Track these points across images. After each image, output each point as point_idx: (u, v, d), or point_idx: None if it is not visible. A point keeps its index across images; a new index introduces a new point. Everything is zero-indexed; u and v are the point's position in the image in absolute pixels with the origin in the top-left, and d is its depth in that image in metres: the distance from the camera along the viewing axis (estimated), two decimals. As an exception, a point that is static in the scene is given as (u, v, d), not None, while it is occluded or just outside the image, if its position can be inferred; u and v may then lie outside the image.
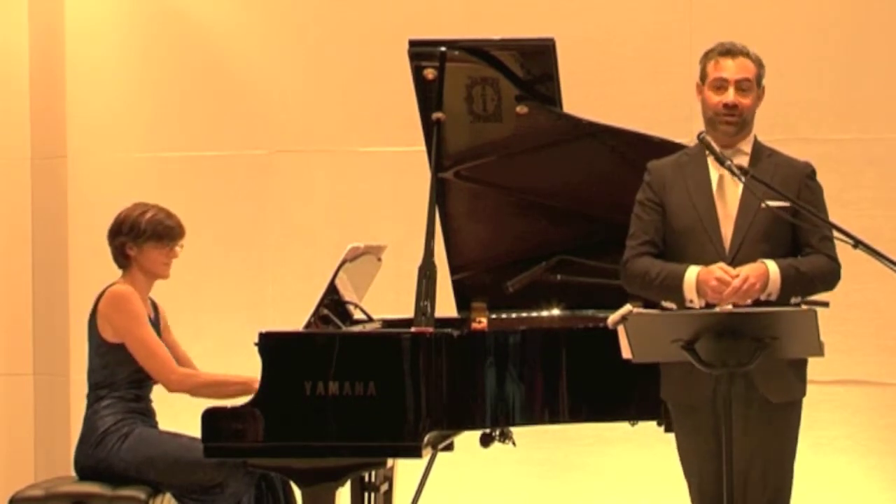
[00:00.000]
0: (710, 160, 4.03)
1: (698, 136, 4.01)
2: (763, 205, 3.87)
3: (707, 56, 4.09)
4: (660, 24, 5.99)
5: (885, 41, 5.82)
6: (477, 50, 4.57)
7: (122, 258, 4.77)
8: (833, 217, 3.97)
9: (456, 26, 5.86)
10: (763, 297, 3.86)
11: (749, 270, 3.85)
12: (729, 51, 4.04)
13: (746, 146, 4.06)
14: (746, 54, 4.04)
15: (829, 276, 3.99)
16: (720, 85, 4.02)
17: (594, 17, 6.05)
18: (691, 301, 3.89)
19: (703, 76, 4.08)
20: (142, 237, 4.72)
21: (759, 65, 4.07)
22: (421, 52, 4.55)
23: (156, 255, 4.74)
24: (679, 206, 4.02)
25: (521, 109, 4.61)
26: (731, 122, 4.01)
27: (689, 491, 4.10)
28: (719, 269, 3.85)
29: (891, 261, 3.77)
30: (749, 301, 3.83)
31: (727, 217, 3.98)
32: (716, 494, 3.92)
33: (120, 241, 4.74)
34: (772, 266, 3.88)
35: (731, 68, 4.02)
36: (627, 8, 6.05)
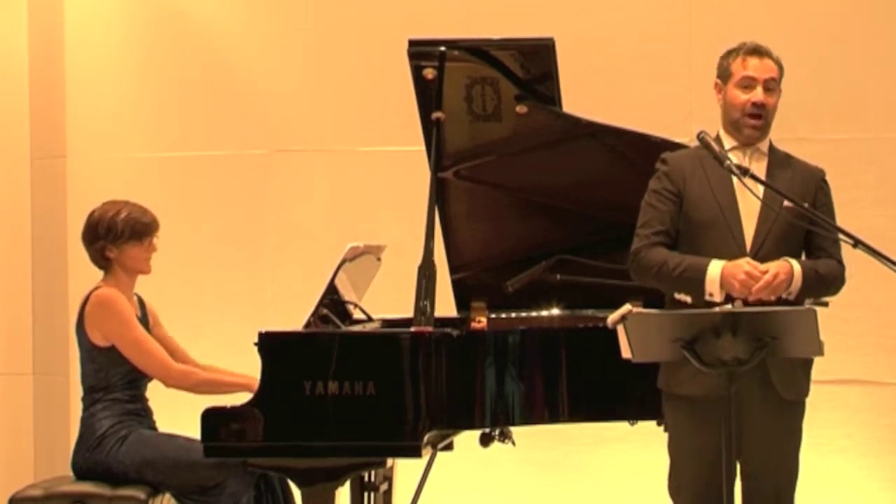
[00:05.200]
0: (732, 156, 3.98)
1: (698, 136, 4.01)
2: (785, 203, 3.88)
3: (732, 54, 4.06)
4: (660, 24, 5.99)
5: (885, 41, 5.82)
6: (477, 50, 4.57)
7: (102, 260, 4.73)
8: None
9: (456, 26, 5.87)
10: (784, 296, 3.87)
11: (778, 267, 3.85)
12: (756, 50, 4.03)
13: (764, 147, 4.07)
14: (770, 55, 4.05)
15: (839, 280, 4.02)
16: (748, 84, 4.01)
17: (594, 17, 6.05)
18: (711, 294, 3.87)
19: (727, 74, 4.05)
20: (121, 238, 4.68)
21: (780, 67, 4.07)
22: (421, 51, 4.55)
23: (136, 253, 4.71)
24: (700, 199, 4.01)
25: (521, 109, 4.61)
26: (756, 124, 4.00)
27: (674, 481, 4.06)
28: (747, 264, 3.84)
29: (891, 261, 3.76)
30: (773, 298, 3.83)
31: (749, 213, 3.97)
32: (714, 488, 3.92)
33: (99, 245, 4.70)
34: (796, 265, 3.89)
35: (759, 67, 4.01)
36: (627, 8, 6.05)
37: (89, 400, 4.68)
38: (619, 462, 5.86)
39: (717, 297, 3.87)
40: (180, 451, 4.55)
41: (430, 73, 4.55)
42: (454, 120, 4.62)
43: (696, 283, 3.90)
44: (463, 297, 4.93)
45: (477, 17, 6.05)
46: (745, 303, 3.84)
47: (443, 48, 4.53)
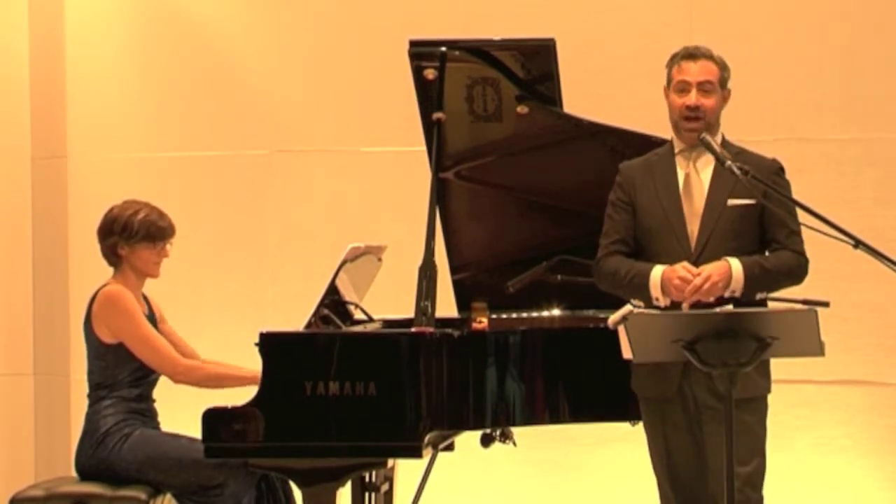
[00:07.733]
0: (678, 159, 4.11)
1: (699, 138, 4.03)
2: (729, 202, 3.96)
3: (672, 60, 4.16)
4: (660, 24, 5.99)
5: (885, 41, 5.82)
6: (477, 50, 4.58)
7: (112, 257, 4.75)
8: (833, 217, 3.97)
9: (456, 26, 5.86)
10: (727, 295, 3.93)
11: (712, 269, 3.92)
12: (692, 54, 4.11)
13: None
14: (709, 57, 4.11)
15: (796, 271, 4.06)
16: (683, 88, 4.09)
17: (594, 17, 6.05)
18: (657, 299, 3.96)
19: (669, 79, 4.15)
20: (134, 237, 4.70)
21: (723, 67, 4.13)
22: (421, 52, 4.56)
23: (147, 255, 4.73)
24: (648, 206, 4.09)
25: (522, 109, 4.62)
26: (692, 126, 4.06)
27: (658, 480, 4.13)
28: (682, 269, 3.92)
29: (891, 261, 3.77)
30: (712, 299, 3.90)
31: (693, 215, 4.05)
32: (687, 487, 4.02)
33: (112, 241, 4.72)
34: (735, 264, 3.94)
35: (693, 71, 4.08)
36: (627, 8, 6.05)
37: (95, 397, 4.69)
38: (619, 462, 5.86)
39: (662, 302, 3.96)
40: (182, 450, 4.56)
41: (430, 74, 4.55)
42: (455, 120, 4.62)
43: (643, 288, 3.99)
44: (464, 298, 4.93)
45: (477, 17, 6.05)
46: (736, 303, 3.90)
47: (443, 48, 4.54)
